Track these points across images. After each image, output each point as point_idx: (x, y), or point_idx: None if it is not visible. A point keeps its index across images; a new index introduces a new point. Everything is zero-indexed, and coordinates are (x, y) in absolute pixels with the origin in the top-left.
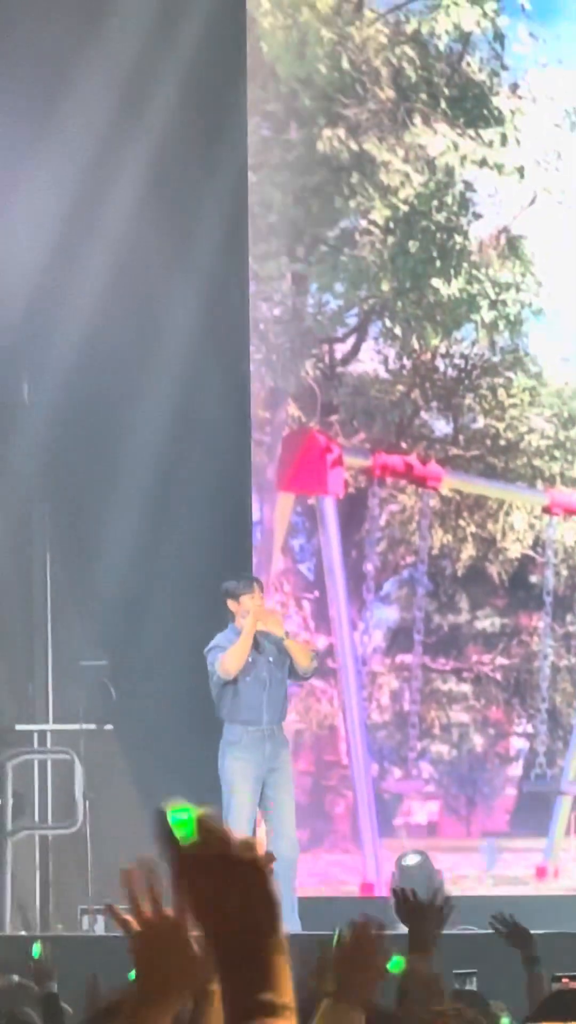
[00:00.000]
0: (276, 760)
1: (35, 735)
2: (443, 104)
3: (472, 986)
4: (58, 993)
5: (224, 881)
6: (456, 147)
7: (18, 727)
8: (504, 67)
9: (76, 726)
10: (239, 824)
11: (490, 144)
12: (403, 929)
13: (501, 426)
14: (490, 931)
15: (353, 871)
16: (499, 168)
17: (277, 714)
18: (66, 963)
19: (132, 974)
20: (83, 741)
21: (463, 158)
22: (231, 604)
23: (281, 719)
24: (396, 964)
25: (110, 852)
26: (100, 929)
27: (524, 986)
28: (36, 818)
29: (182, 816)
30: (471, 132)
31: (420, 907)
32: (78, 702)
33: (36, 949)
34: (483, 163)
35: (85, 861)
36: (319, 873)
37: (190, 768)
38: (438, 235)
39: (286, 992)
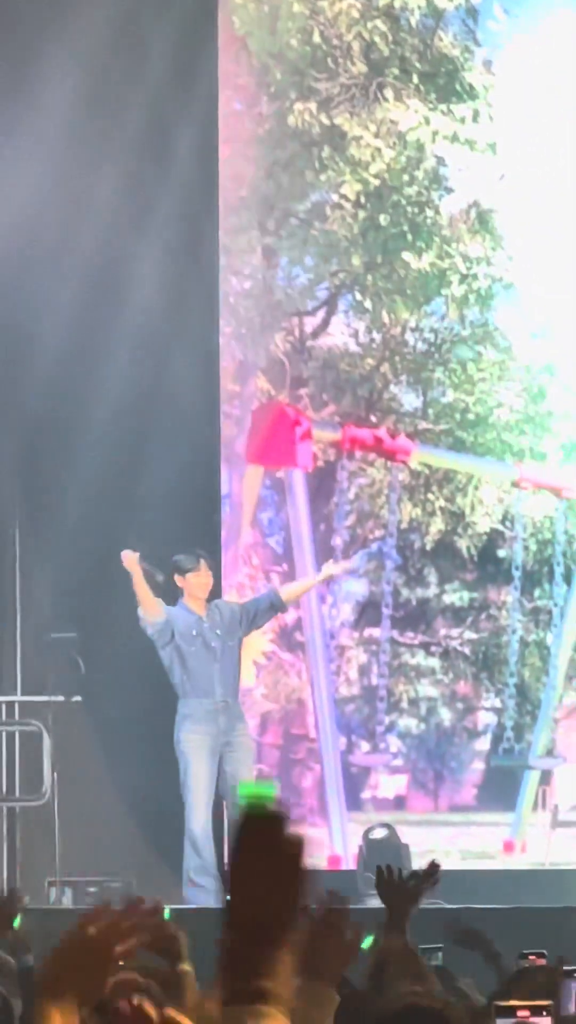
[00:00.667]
0: (232, 734)
1: (3, 706)
2: (415, 79)
3: (438, 962)
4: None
5: (273, 864)
6: (428, 122)
7: None
8: (477, 43)
9: (45, 698)
10: (197, 798)
11: (462, 120)
12: (370, 904)
13: (470, 400)
14: (458, 905)
15: (320, 845)
16: (471, 144)
17: (230, 687)
18: (34, 936)
19: None
20: (51, 713)
21: (435, 133)
22: (178, 579)
23: (235, 692)
24: (365, 941)
25: (77, 824)
26: (68, 901)
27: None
28: (3, 790)
29: (266, 789)
30: (443, 107)
31: (402, 885)
32: (46, 674)
33: (17, 920)
34: (455, 139)
35: (53, 833)
36: None
37: (158, 741)
38: (409, 209)
39: (285, 984)
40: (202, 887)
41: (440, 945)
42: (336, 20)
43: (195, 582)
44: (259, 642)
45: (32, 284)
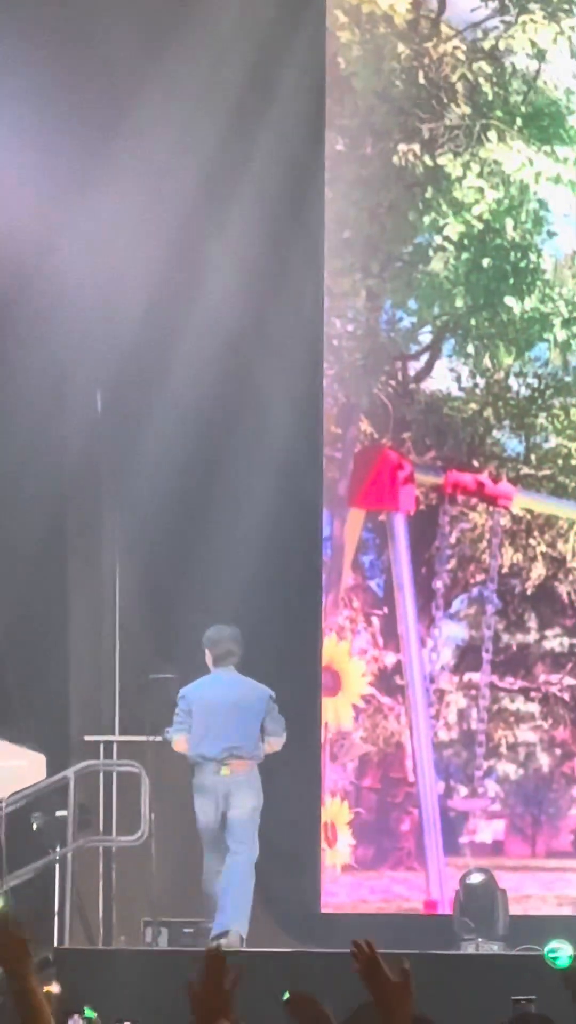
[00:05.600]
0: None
1: (102, 746)
2: (519, 121)
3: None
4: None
5: None
6: (531, 163)
7: (86, 738)
8: None
9: (143, 738)
10: None
11: (565, 161)
12: (467, 950)
13: (573, 446)
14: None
15: (417, 889)
16: (574, 186)
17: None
18: (128, 977)
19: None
20: (150, 753)
21: (538, 175)
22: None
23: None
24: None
25: (174, 865)
26: (163, 942)
27: None
28: (101, 829)
29: None
30: (547, 148)
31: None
32: (145, 714)
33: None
34: (558, 180)
35: (149, 873)
36: (383, 890)
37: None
38: (512, 252)
39: None
40: None
41: (533, 996)
42: (441, 61)
43: None
44: (358, 685)
45: (138, 325)
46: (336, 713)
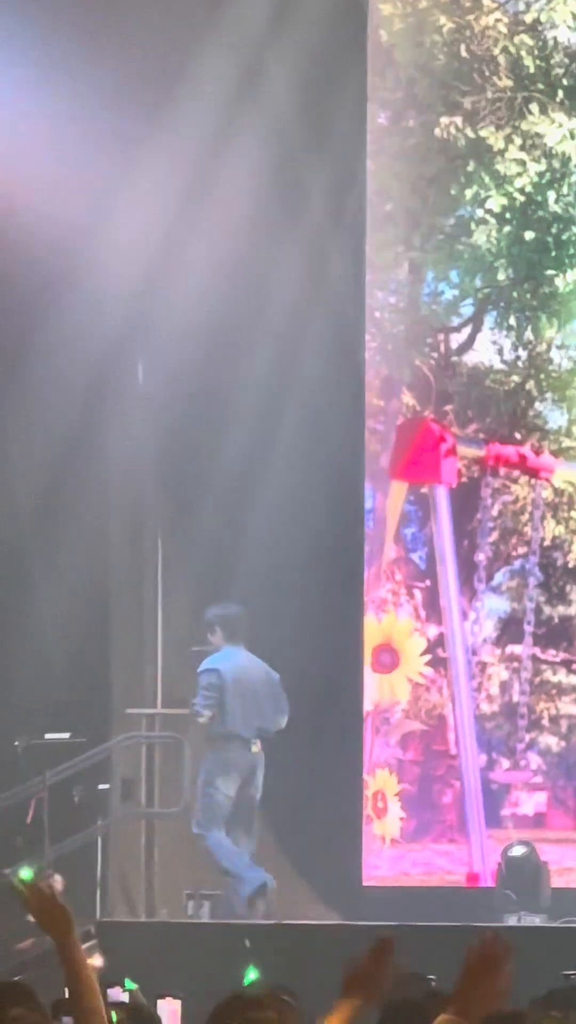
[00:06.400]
0: None
1: (143, 719)
2: (560, 93)
3: None
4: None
5: None
6: (573, 136)
7: (128, 711)
8: None
9: (185, 711)
10: None
11: None
12: (509, 922)
13: None
14: None
15: (459, 861)
16: None
17: None
18: (170, 949)
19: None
20: (192, 725)
21: None
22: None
23: None
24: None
25: None
26: (206, 914)
27: None
28: (143, 801)
29: None
30: None
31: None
32: (187, 687)
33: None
34: None
35: (191, 846)
36: (425, 863)
37: (294, 753)
38: (554, 225)
39: None
40: None
41: None
42: (483, 35)
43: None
44: (416, 663)
45: (179, 296)
46: (391, 689)
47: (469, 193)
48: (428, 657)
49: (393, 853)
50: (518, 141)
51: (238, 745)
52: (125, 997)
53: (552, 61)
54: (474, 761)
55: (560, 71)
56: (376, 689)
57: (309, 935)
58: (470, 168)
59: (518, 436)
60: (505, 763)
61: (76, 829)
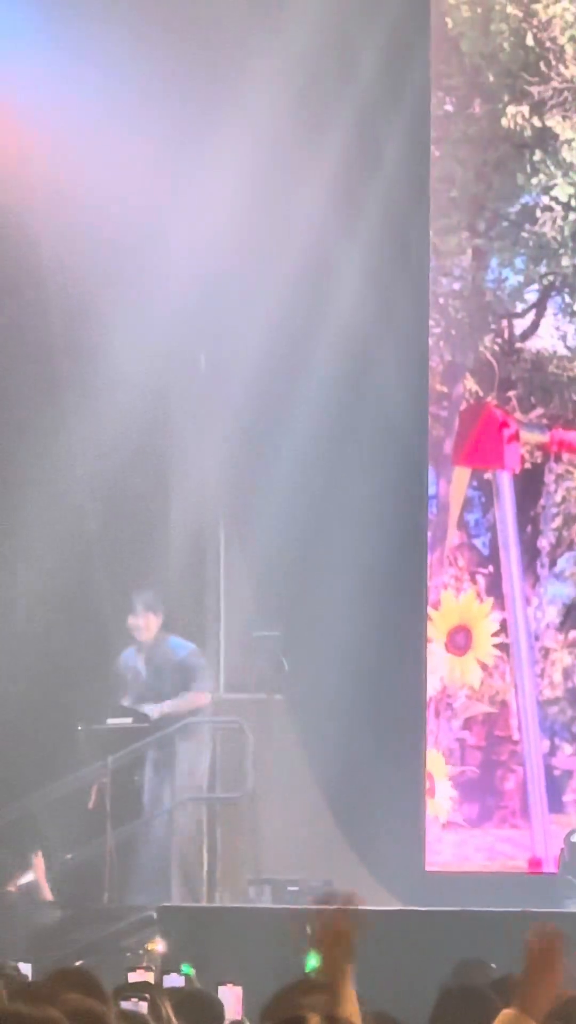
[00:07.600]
0: None
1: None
2: None
3: None
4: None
5: None
6: None
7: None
8: None
9: (247, 695)
10: None
11: None
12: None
13: None
14: None
15: (522, 847)
16: None
17: None
18: (231, 935)
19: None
20: (254, 711)
21: None
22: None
23: None
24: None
25: (277, 822)
26: (267, 900)
27: None
28: (205, 787)
29: None
30: None
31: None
32: (249, 672)
33: None
34: None
35: (253, 831)
36: (487, 848)
37: (358, 740)
38: None
39: None
40: None
41: None
42: (550, 23)
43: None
44: (487, 646)
45: (241, 284)
46: (462, 672)
47: (535, 181)
48: (496, 640)
49: (455, 838)
50: None
51: None
52: (181, 982)
53: None
54: (537, 747)
55: None
56: (447, 671)
57: (370, 920)
58: (536, 156)
59: None
60: (568, 749)
61: (138, 815)
